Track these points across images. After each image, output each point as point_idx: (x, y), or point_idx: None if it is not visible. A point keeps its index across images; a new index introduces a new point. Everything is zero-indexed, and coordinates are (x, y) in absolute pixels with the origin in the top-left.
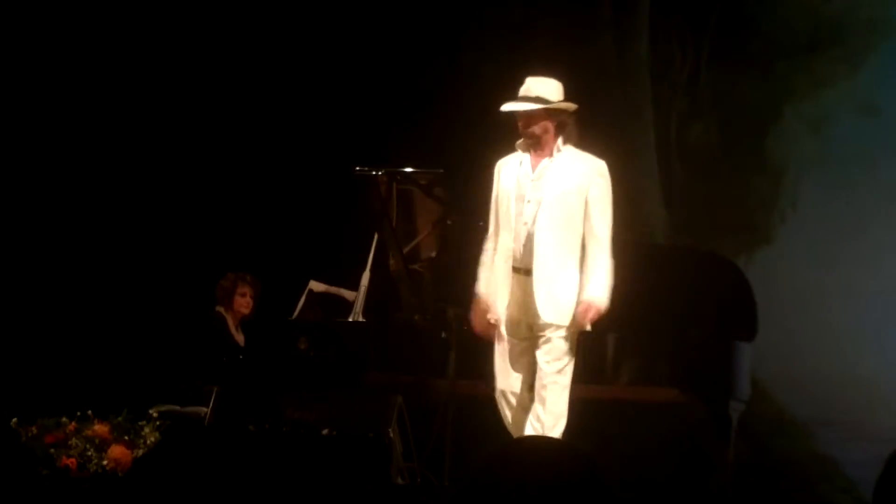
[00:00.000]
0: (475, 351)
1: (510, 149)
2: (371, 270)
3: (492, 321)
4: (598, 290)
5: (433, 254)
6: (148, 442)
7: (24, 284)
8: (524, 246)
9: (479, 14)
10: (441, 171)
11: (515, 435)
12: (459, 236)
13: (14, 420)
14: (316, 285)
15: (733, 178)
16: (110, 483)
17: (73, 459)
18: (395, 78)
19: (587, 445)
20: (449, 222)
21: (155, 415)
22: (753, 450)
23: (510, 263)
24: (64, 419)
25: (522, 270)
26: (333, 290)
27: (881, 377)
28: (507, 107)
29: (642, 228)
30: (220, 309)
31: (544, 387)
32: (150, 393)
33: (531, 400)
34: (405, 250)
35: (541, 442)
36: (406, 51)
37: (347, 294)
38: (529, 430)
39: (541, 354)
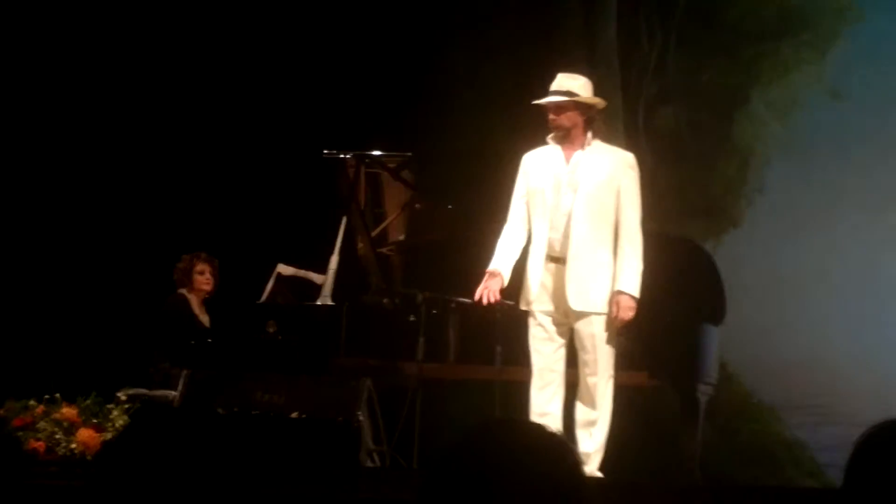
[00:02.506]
0: (443, 334)
1: (478, 133)
2: (339, 254)
3: (497, 297)
4: (631, 281)
5: (401, 237)
6: (116, 425)
7: None
8: (557, 236)
9: None
10: (409, 154)
11: (538, 417)
12: (427, 220)
13: None
14: (284, 268)
15: (701, 163)
16: (78, 466)
17: (42, 443)
18: (363, 61)
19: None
20: (417, 206)
21: (123, 398)
22: (721, 433)
23: (545, 252)
24: (32, 402)
25: (560, 260)
26: (301, 273)
27: (849, 361)
28: (539, 100)
29: None
30: (183, 291)
31: (589, 383)
32: (118, 376)
33: (563, 385)
34: (373, 233)
35: (510, 424)
36: (374, 35)
37: (316, 277)
38: (582, 430)
39: (583, 346)
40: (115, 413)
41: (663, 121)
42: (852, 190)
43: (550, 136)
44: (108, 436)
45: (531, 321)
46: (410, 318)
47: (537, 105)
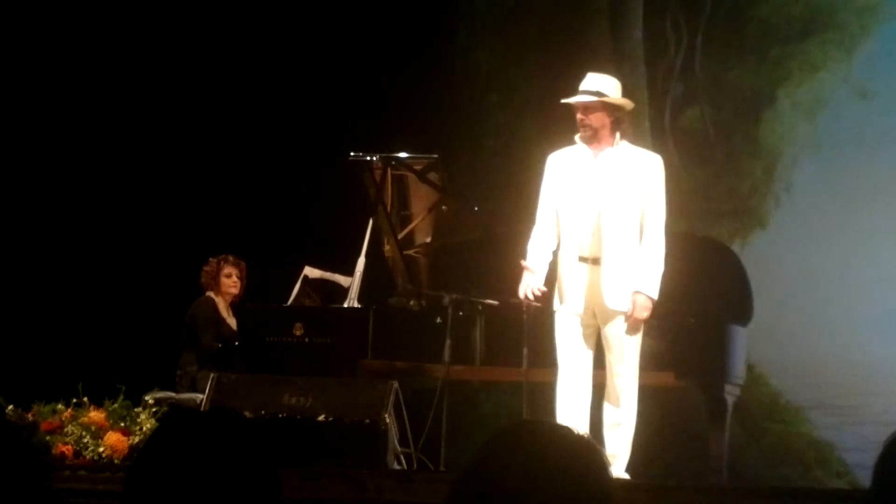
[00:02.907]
0: (470, 336)
1: (504, 134)
2: (366, 256)
3: (538, 293)
4: (649, 282)
5: (428, 239)
6: (144, 429)
7: (18, 272)
8: (592, 236)
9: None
10: (436, 156)
11: (563, 418)
12: (454, 222)
13: (10, 407)
14: (311, 271)
15: (728, 163)
16: (106, 470)
17: (69, 447)
18: (390, 63)
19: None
20: (444, 208)
21: (150, 401)
22: (748, 434)
23: (575, 252)
24: (60, 406)
25: (590, 259)
26: (328, 275)
27: (876, 361)
28: (567, 99)
29: None
30: (210, 294)
31: (615, 384)
32: (145, 379)
33: (590, 385)
34: (400, 236)
35: (537, 425)
36: (401, 36)
37: (343, 280)
38: (609, 431)
39: (609, 347)
40: (143, 417)
41: (690, 121)
42: (880, 189)
43: (578, 135)
44: (136, 439)
45: (558, 322)
46: (437, 320)
47: (565, 105)
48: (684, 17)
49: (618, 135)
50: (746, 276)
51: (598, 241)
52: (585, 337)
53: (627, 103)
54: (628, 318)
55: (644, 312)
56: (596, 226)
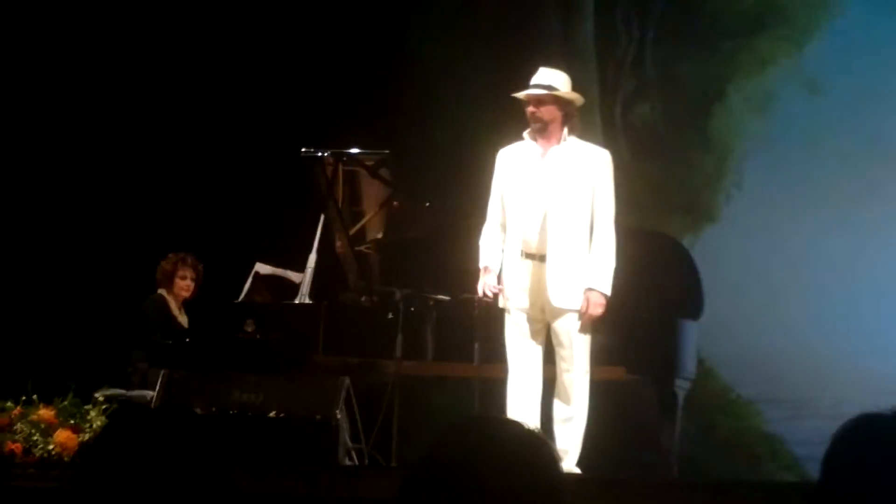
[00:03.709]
0: (422, 332)
1: (455, 129)
2: (317, 252)
3: (496, 290)
4: (601, 278)
5: (379, 235)
6: (94, 426)
7: None
8: (539, 233)
9: None
10: (387, 152)
11: (514, 413)
12: (406, 217)
13: None
14: (262, 267)
15: (679, 158)
16: (56, 467)
17: (19, 444)
18: (341, 58)
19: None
20: (395, 203)
21: (101, 398)
22: (699, 428)
23: (521, 249)
24: (9, 404)
25: (537, 256)
26: (280, 272)
27: (826, 355)
28: (520, 93)
29: None
30: (162, 291)
31: (565, 380)
32: (95, 377)
33: (540, 381)
34: (351, 232)
35: (488, 421)
36: (351, 31)
37: (294, 276)
38: (560, 426)
39: (559, 343)
40: (93, 414)
41: (640, 116)
42: (830, 183)
43: (527, 130)
44: (86, 437)
45: (507, 318)
46: (388, 316)
47: (516, 100)
48: (635, 12)
49: (566, 130)
50: (697, 271)
51: (544, 238)
52: (534, 333)
53: (578, 98)
54: (582, 315)
55: (598, 309)
56: (542, 223)
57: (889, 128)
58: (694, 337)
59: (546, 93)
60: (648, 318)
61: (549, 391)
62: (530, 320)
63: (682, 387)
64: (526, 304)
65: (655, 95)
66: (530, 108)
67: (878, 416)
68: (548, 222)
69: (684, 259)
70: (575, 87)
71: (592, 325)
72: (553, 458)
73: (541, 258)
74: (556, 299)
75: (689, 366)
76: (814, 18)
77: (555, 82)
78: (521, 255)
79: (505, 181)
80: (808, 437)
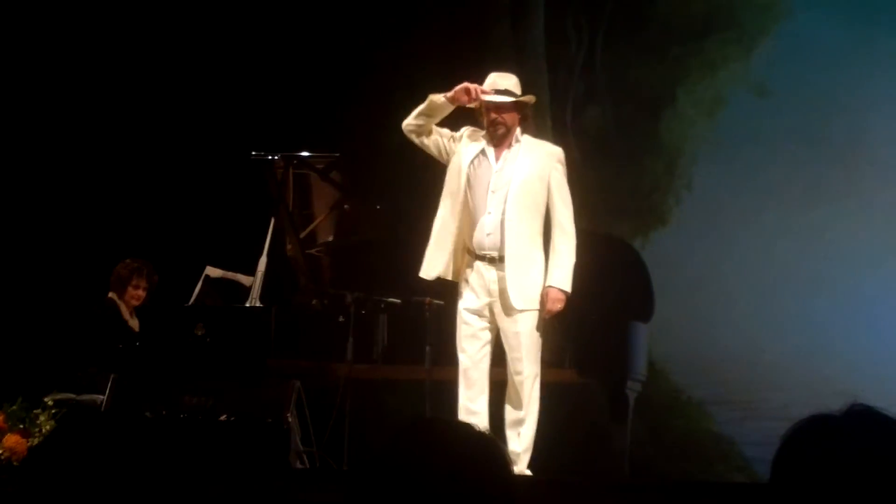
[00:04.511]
0: (373, 335)
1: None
2: (268, 255)
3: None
4: (561, 276)
5: (330, 238)
6: (43, 430)
7: None
8: (489, 235)
9: (375, 0)
10: (337, 155)
11: (466, 416)
12: (356, 220)
13: None
14: (212, 271)
15: (629, 161)
16: (4, 472)
17: None
18: (290, 63)
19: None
20: (346, 206)
21: (50, 403)
22: (650, 430)
23: (473, 251)
24: None
25: (488, 258)
26: (230, 275)
27: (777, 357)
28: (488, 97)
29: None
30: (113, 296)
31: (516, 382)
32: (44, 381)
33: (486, 383)
34: (302, 235)
35: (438, 424)
36: (302, 36)
37: (244, 279)
38: (511, 429)
39: (510, 346)
40: (42, 418)
41: (591, 120)
42: (778, 186)
43: (483, 133)
44: (35, 441)
45: (458, 320)
46: (339, 319)
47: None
48: (585, 16)
49: (518, 130)
50: (648, 274)
51: (500, 239)
52: (483, 335)
53: (532, 98)
54: (542, 310)
55: (557, 305)
56: (498, 224)
57: (835, 130)
58: (644, 339)
59: (512, 100)
60: (599, 320)
61: (501, 393)
62: (482, 322)
63: (633, 388)
64: (478, 305)
65: (606, 99)
66: (493, 115)
67: (827, 417)
68: (504, 224)
69: (635, 261)
70: (526, 91)
71: (548, 324)
72: (504, 461)
73: (496, 259)
74: (516, 301)
75: (640, 368)
76: (762, 22)
77: (511, 86)
78: (474, 257)
79: (459, 177)
80: (759, 438)
